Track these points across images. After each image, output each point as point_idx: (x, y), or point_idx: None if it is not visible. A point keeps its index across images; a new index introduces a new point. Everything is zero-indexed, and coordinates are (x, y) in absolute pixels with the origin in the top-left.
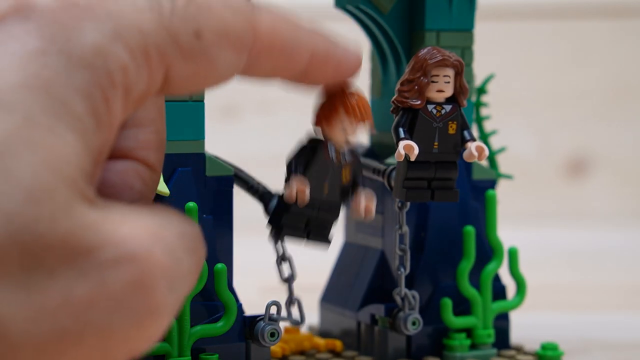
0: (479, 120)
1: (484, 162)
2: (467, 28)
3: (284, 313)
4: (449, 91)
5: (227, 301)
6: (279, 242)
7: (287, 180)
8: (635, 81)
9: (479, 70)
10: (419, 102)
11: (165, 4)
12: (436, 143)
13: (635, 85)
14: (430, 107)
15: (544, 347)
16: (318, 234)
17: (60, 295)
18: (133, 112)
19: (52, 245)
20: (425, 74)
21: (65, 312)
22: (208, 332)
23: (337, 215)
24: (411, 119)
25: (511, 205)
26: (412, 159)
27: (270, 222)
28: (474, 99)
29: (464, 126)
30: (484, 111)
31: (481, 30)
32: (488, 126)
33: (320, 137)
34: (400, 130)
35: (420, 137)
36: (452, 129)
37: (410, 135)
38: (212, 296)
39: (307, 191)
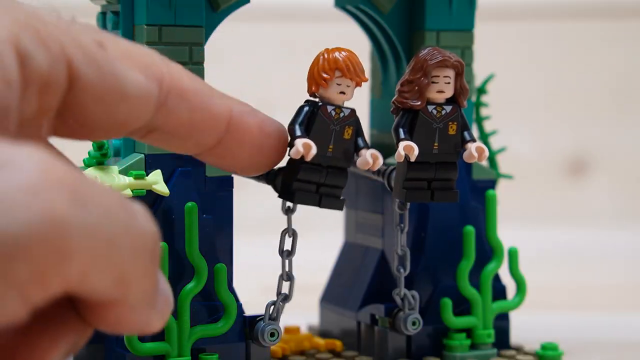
0: (479, 120)
1: (484, 162)
2: (467, 28)
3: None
4: (449, 92)
5: (227, 301)
6: (290, 215)
7: (290, 145)
8: (635, 82)
9: (479, 70)
10: (419, 103)
11: (66, 17)
12: (436, 144)
13: (635, 86)
14: (430, 107)
15: (544, 347)
16: (330, 198)
17: None
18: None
19: None
20: (426, 74)
21: None
22: (208, 332)
23: (345, 178)
24: (411, 120)
25: (511, 205)
26: (412, 159)
27: (281, 192)
28: (474, 99)
29: (464, 127)
30: (484, 111)
31: (481, 30)
32: (488, 126)
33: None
34: (401, 130)
35: (421, 138)
36: (452, 129)
37: (410, 136)
38: (212, 296)
39: (313, 146)
